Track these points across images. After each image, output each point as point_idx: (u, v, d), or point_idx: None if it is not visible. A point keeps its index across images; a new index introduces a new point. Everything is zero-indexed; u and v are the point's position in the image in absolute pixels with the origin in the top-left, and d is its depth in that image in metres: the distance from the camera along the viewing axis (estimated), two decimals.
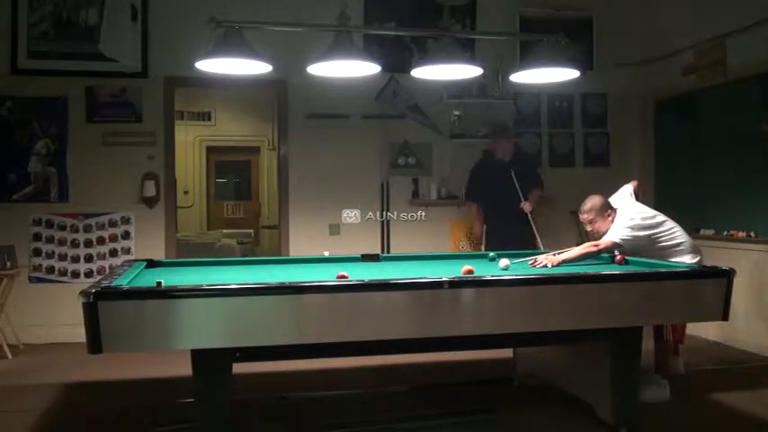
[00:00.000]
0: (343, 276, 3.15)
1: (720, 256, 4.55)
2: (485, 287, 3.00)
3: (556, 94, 6.46)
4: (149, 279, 3.21)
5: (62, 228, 5.70)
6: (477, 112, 6.25)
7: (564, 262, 3.77)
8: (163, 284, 2.73)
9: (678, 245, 4.09)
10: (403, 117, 6.15)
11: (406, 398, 4.02)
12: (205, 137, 9.76)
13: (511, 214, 5.52)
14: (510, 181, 5.53)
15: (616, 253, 3.96)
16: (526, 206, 5.55)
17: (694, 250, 4.14)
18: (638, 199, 4.43)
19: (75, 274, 5.71)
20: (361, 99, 6.01)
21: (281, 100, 6.10)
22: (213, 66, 3.91)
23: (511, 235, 5.40)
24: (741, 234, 5.18)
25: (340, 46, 3.86)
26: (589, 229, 4.19)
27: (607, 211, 4.10)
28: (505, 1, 6.30)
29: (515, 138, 6.09)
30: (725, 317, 3.21)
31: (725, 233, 5.34)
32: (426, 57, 4.29)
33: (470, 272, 3.30)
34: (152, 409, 3.82)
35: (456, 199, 6.22)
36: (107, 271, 5.24)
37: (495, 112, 6.29)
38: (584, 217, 4.16)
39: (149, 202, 5.81)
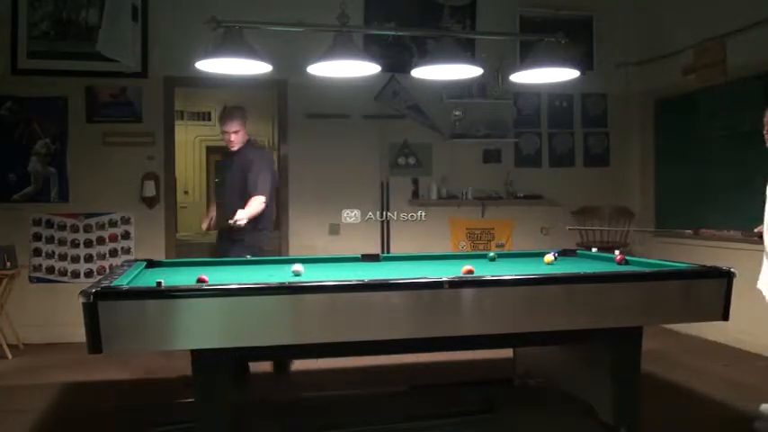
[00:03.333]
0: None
1: (720, 256, 4.54)
2: (485, 287, 3.00)
3: (556, 94, 6.46)
4: (149, 279, 3.21)
5: (62, 228, 5.70)
6: (477, 112, 6.26)
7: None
8: (163, 284, 2.73)
9: None
10: (403, 117, 6.15)
11: (406, 398, 4.02)
12: (205, 137, 9.75)
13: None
14: (237, 178, 4.71)
15: (616, 253, 3.95)
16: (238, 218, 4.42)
17: None
18: None
19: (76, 274, 5.71)
20: (361, 99, 6.01)
21: (281, 100, 6.10)
22: (213, 66, 3.91)
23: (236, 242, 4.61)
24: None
25: (340, 46, 3.86)
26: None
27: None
28: (505, 1, 6.30)
29: (240, 125, 4.88)
30: (725, 317, 3.21)
31: (725, 233, 5.32)
32: (426, 57, 4.29)
33: (470, 272, 3.29)
34: (152, 409, 3.82)
35: (455, 199, 6.22)
36: (107, 271, 5.23)
37: (496, 112, 6.30)
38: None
39: (149, 202, 5.81)
